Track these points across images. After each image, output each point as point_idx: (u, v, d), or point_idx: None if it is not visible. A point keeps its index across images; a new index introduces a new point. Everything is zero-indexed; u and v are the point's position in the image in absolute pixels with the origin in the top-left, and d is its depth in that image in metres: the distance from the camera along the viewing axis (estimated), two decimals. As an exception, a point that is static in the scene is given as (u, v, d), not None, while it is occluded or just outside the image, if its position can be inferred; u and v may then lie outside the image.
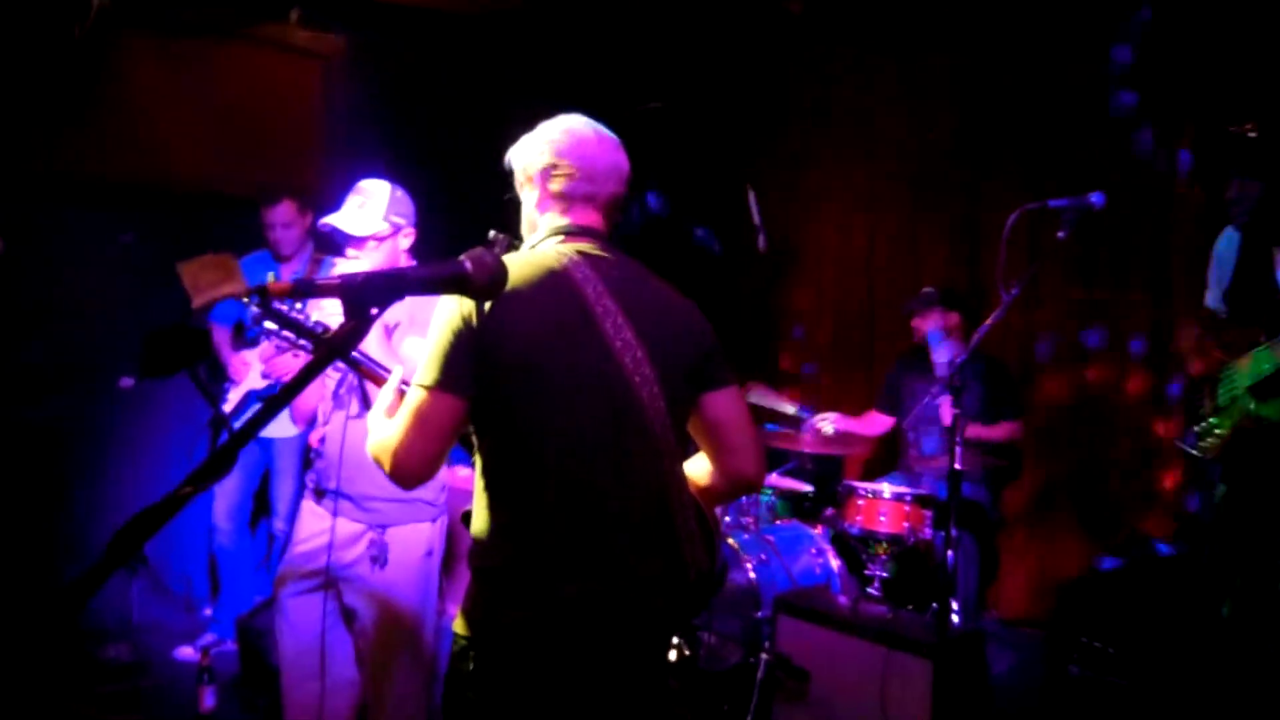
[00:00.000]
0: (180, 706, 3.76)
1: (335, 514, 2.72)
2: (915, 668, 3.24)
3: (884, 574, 3.95)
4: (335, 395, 2.78)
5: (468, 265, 1.51)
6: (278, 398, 1.22)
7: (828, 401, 5.69)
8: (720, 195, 5.69)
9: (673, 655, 4.17)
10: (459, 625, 1.86)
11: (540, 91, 4.98)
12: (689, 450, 2.02)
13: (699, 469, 2.07)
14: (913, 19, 5.16)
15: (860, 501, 4.07)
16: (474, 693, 1.83)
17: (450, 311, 1.81)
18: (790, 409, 4.96)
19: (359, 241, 2.73)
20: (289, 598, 2.83)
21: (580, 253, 1.92)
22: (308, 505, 2.86)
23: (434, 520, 2.83)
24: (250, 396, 4.17)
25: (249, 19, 4.43)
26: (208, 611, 4.56)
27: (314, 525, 2.80)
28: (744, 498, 4.43)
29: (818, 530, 4.43)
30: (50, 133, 3.83)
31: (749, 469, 2.02)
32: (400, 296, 1.38)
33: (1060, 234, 2.94)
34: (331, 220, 2.72)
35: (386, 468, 1.85)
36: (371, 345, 2.62)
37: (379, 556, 2.74)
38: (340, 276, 1.32)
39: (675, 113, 5.59)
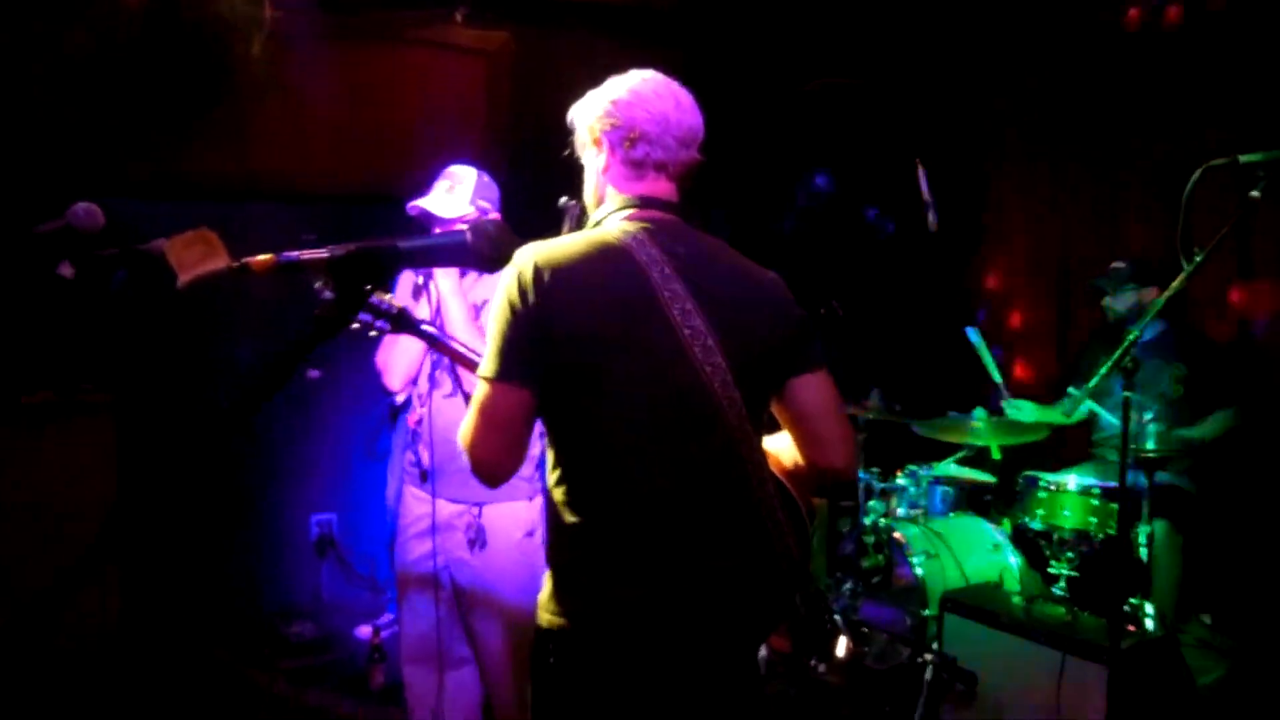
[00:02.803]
0: (357, 682, 3.96)
1: (434, 495, 2.74)
2: (1092, 674, 2.96)
3: (1070, 573, 3.66)
4: (431, 376, 2.81)
5: (467, 235, 1.44)
6: (269, 374, 1.19)
7: (1016, 385, 5.33)
8: (895, 173, 5.43)
9: (840, 651, 4.02)
10: (538, 618, 1.81)
11: (706, 80, 4.90)
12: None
13: (784, 450, 1.92)
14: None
15: (1041, 494, 3.79)
16: (553, 687, 1.78)
17: (505, 299, 1.71)
18: (994, 374, 4.65)
19: (446, 223, 2.76)
20: (406, 584, 2.89)
21: (647, 230, 1.77)
22: (409, 491, 2.89)
23: (530, 499, 2.81)
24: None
25: (414, 22, 4.57)
26: (389, 593, 4.77)
27: (417, 509, 2.84)
28: (913, 488, 4.21)
29: (998, 525, 4.15)
30: (232, 138, 4.09)
31: (838, 462, 1.86)
32: (396, 270, 1.33)
33: (1254, 192, 2.59)
34: (421, 203, 2.77)
35: (468, 464, 1.80)
36: (458, 324, 2.64)
37: (476, 538, 2.75)
38: (328, 249, 1.29)
39: (850, 89, 5.38)
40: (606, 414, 1.71)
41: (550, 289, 1.67)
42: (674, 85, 1.86)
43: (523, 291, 1.68)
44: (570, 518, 1.76)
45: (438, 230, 2.78)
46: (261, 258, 1.29)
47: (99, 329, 3.66)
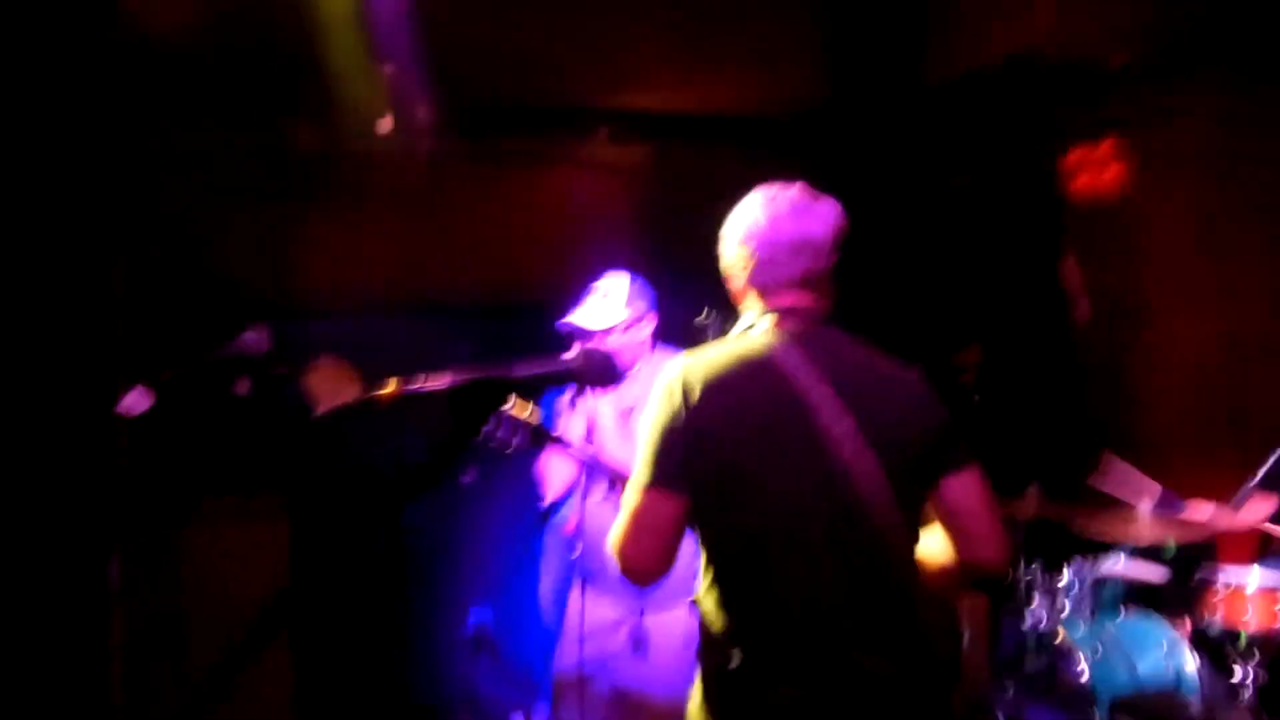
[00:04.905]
0: (509, 778, 3.99)
1: (585, 600, 2.81)
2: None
3: (1259, 679, 3.38)
4: (584, 482, 2.89)
5: (575, 361, 1.56)
6: (409, 485, 1.31)
7: (1189, 482, 5.01)
8: (1042, 261, 5.32)
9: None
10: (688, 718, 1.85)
11: (847, 187, 5.01)
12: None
13: (937, 551, 1.92)
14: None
15: (1218, 595, 3.54)
16: None
17: (659, 406, 1.80)
18: (1152, 496, 4.42)
19: (594, 335, 2.87)
20: (563, 687, 2.94)
21: (790, 337, 1.84)
22: (574, 595, 2.96)
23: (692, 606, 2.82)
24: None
25: (559, 143, 4.87)
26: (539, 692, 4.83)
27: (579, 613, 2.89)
28: (1077, 585, 3.99)
29: (1178, 626, 3.87)
30: (390, 258, 4.43)
31: (990, 556, 1.86)
32: (509, 395, 1.44)
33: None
34: (571, 319, 2.89)
35: (617, 569, 1.88)
36: (608, 430, 2.73)
37: (639, 643, 2.78)
38: (449, 379, 1.41)
39: (989, 183, 5.36)
40: (758, 519, 1.76)
41: (699, 401, 1.76)
42: (798, 200, 1.93)
43: (673, 404, 1.78)
44: (721, 623, 1.80)
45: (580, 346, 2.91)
46: (387, 389, 1.44)
47: (276, 439, 3.97)
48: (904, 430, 1.81)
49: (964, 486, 1.85)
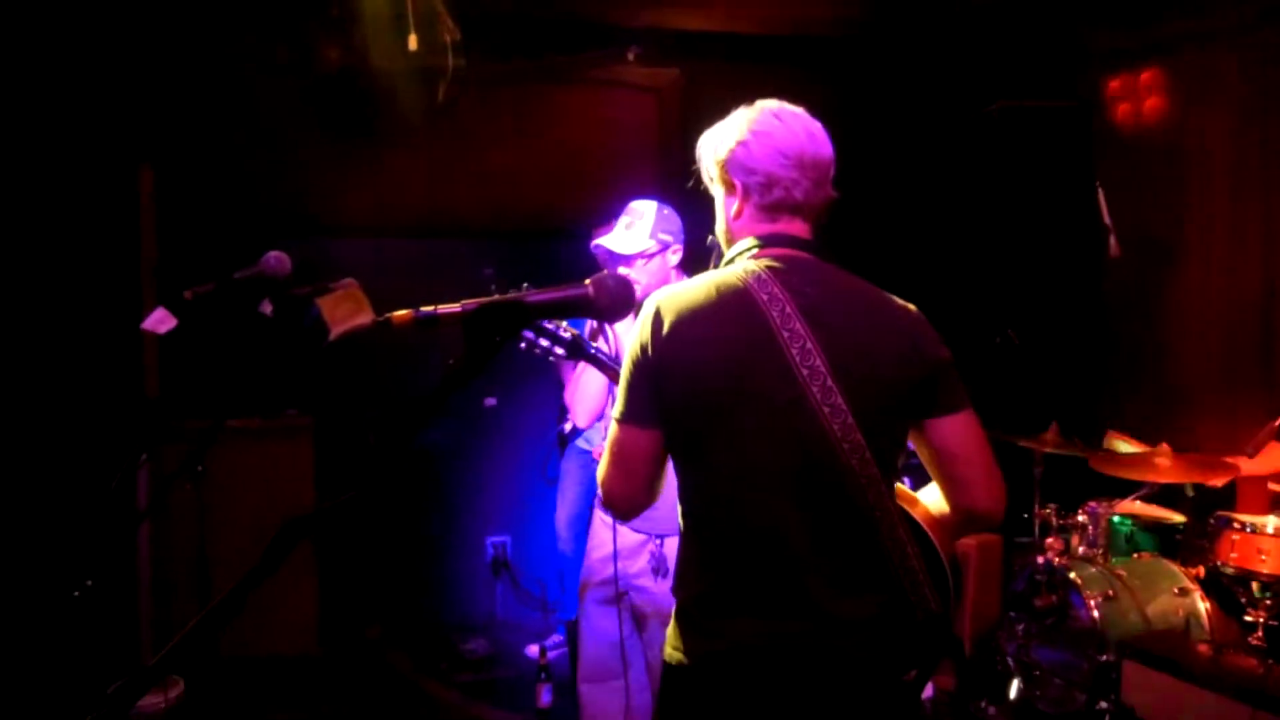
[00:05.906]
0: (525, 700, 4.09)
1: (615, 523, 2.80)
2: (1285, 734, 2.75)
3: (1270, 621, 3.41)
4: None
5: (589, 289, 1.50)
6: (418, 411, 1.29)
7: (1216, 424, 4.98)
8: (1071, 193, 5.20)
9: (1012, 693, 3.87)
10: (664, 652, 1.84)
11: (882, 109, 4.91)
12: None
13: (933, 499, 1.88)
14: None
15: (1235, 536, 3.54)
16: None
17: (633, 341, 1.76)
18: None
19: (627, 260, 2.84)
20: (590, 604, 2.99)
21: (772, 269, 1.73)
22: (598, 516, 3.00)
23: None
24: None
25: (588, 64, 4.77)
26: (558, 615, 4.93)
27: (603, 534, 2.92)
28: (1091, 526, 4.01)
29: (1188, 568, 3.89)
30: (418, 179, 4.40)
31: (982, 504, 1.79)
32: (523, 323, 1.40)
33: None
34: (602, 241, 2.85)
35: (601, 500, 1.87)
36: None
37: (659, 567, 2.81)
38: (461, 305, 1.37)
39: (1032, 112, 5.21)
40: (725, 451, 1.72)
41: (668, 334, 1.71)
42: (804, 118, 1.81)
43: (644, 337, 1.73)
44: (692, 553, 1.79)
45: (619, 269, 2.86)
46: (400, 314, 1.40)
47: (299, 360, 4.00)
48: (885, 368, 1.71)
49: (953, 430, 1.76)
